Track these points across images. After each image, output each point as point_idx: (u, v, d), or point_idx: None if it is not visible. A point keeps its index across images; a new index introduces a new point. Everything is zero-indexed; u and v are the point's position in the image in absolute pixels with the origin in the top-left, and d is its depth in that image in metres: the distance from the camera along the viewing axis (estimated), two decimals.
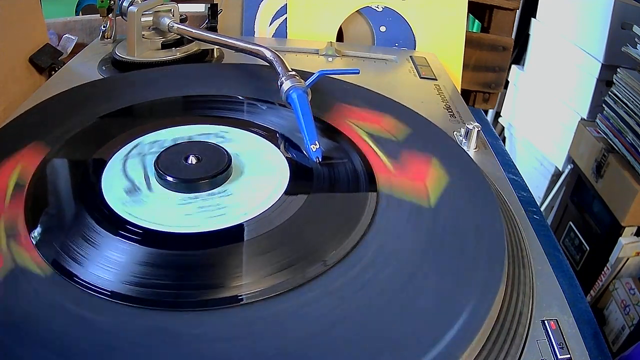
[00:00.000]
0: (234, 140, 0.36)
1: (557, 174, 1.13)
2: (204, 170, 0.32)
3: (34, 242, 0.27)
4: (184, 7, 0.55)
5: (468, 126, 0.42)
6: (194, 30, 0.51)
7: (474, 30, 0.85)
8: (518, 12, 0.80)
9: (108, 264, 0.26)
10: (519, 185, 0.63)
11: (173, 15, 0.53)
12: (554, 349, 0.25)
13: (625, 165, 0.82)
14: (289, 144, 0.36)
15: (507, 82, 1.30)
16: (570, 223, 1.00)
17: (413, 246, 0.28)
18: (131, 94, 0.42)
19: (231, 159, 0.33)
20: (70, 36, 0.64)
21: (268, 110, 0.41)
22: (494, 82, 0.75)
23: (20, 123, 0.37)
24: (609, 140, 0.87)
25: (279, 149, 0.36)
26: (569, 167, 1.05)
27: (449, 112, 0.48)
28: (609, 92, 0.86)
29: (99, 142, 0.35)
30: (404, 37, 0.64)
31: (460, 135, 0.42)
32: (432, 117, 0.42)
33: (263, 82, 0.44)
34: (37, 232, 0.27)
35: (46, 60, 0.53)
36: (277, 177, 0.33)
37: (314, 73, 0.39)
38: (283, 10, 0.63)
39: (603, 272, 0.87)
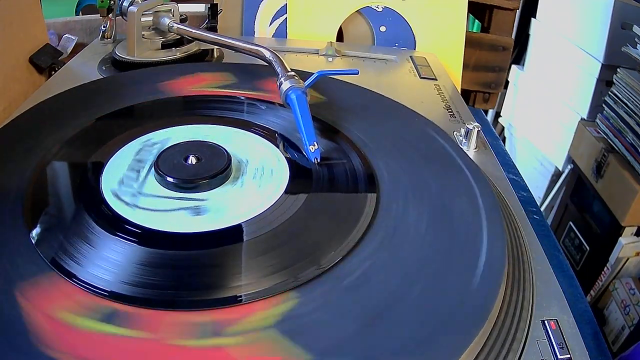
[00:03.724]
0: (234, 141, 0.36)
1: (557, 174, 1.13)
2: (204, 170, 0.32)
3: (34, 242, 0.27)
4: (184, 7, 0.55)
5: (468, 126, 0.42)
6: (194, 30, 0.51)
7: (474, 30, 0.85)
8: (518, 12, 0.80)
9: (107, 264, 0.26)
10: (519, 185, 0.63)
11: (173, 15, 0.53)
12: (554, 349, 0.25)
13: (625, 165, 0.82)
14: (288, 144, 0.36)
15: (507, 82, 1.30)
16: (570, 223, 1.00)
17: (412, 247, 0.28)
18: (131, 95, 0.42)
19: (231, 159, 0.33)
20: (70, 36, 0.64)
21: (268, 110, 0.41)
22: (494, 82, 0.75)
23: (19, 123, 0.37)
24: (609, 140, 0.87)
25: (279, 149, 0.36)
26: (569, 167, 1.05)
27: (449, 112, 0.47)
28: (609, 92, 0.86)
29: (98, 143, 0.35)
30: (404, 37, 0.64)
31: (460, 135, 0.42)
32: (432, 117, 0.42)
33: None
34: (36, 232, 0.27)
35: (46, 60, 0.53)
36: (276, 177, 0.33)
37: (313, 73, 0.39)
38: (283, 10, 0.63)
39: (603, 272, 0.87)
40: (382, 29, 0.64)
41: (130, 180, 0.32)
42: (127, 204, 0.30)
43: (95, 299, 0.24)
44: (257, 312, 0.23)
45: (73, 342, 0.21)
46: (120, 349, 0.22)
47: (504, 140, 1.34)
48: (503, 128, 1.36)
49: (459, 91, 0.56)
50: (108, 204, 0.30)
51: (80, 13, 0.91)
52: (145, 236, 0.27)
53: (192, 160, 0.32)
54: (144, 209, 0.29)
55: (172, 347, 0.22)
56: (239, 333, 0.22)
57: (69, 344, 0.21)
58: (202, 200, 0.30)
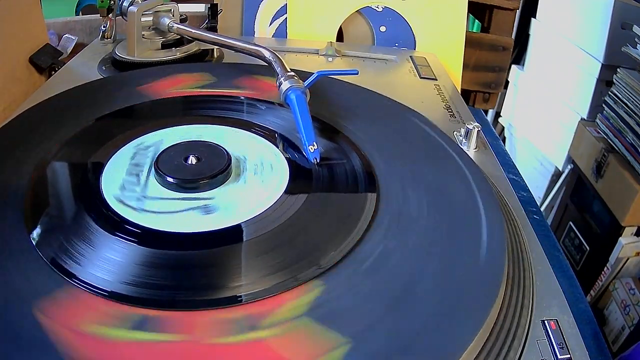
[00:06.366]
0: (234, 141, 0.36)
1: (557, 174, 1.13)
2: (204, 170, 0.32)
3: (34, 243, 0.27)
4: (184, 7, 0.55)
5: (468, 126, 0.42)
6: (194, 30, 0.51)
7: (474, 30, 0.85)
8: (518, 12, 0.80)
9: (107, 264, 0.26)
10: (519, 185, 0.63)
11: (173, 15, 0.53)
12: (554, 349, 0.25)
13: (625, 165, 0.82)
14: (288, 144, 0.36)
15: (507, 82, 1.30)
16: (570, 223, 1.00)
17: (412, 247, 0.28)
18: (130, 94, 0.42)
19: (231, 159, 0.33)
20: (70, 36, 0.64)
21: (267, 110, 0.41)
22: (494, 82, 0.75)
23: (20, 123, 0.37)
24: (609, 140, 0.87)
25: (278, 149, 0.36)
26: (569, 167, 1.05)
27: (449, 112, 0.47)
28: (609, 92, 0.86)
29: (98, 143, 0.35)
30: (404, 37, 0.64)
31: (460, 135, 0.42)
32: (432, 117, 0.42)
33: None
34: (36, 232, 0.27)
35: (46, 60, 0.53)
36: (276, 177, 0.33)
37: (312, 73, 0.39)
38: (283, 10, 0.63)
39: (603, 272, 0.87)
40: (382, 29, 0.64)
41: (130, 182, 0.32)
42: (127, 205, 0.30)
43: (121, 307, 0.23)
44: (287, 302, 0.24)
45: (108, 355, 0.21)
46: (159, 354, 0.21)
47: (504, 140, 1.34)
48: (503, 128, 1.36)
49: (459, 91, 0.56)
50: (108, 205, 0.30)
51: (80, 13, 0.91)
52: (148, 237, 0.27)
53: (192, 160, 0.32)
54: (144, 210, 0.29)
55: (212, 346, 0.22)
56: (275, 324, 0.23)
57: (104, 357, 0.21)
58: (203, 200, 0.30)
